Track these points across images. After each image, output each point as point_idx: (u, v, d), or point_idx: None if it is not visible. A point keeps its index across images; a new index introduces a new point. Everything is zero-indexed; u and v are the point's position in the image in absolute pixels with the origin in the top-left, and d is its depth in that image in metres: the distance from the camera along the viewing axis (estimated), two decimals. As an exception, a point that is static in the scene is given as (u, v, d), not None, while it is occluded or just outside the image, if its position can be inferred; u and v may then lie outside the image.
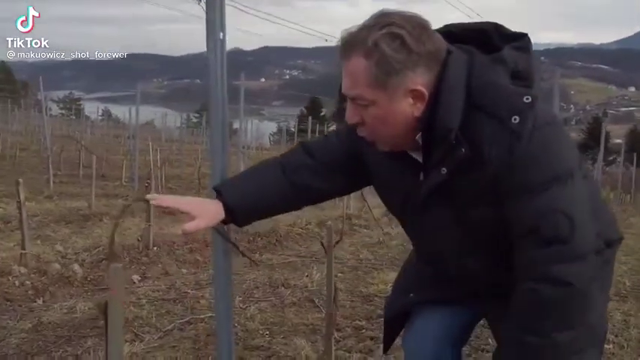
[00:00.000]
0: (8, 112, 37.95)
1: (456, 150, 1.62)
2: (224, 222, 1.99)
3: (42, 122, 20.25)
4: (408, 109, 1.64)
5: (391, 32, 1.57)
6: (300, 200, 2.09)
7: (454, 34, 1.74)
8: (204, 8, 2.19)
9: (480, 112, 1.61)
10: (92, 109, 61.68)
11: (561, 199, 1.59)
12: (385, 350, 2.33)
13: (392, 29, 1.57)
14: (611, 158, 51.01)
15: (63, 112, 58.06)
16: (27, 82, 68.50)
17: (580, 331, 1.68)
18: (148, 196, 1.98)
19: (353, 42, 1.62)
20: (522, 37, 1.72)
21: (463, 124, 1.61)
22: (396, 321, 2.23)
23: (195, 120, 62.49)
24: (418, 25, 1.60)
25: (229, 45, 2.27)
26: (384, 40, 1.57)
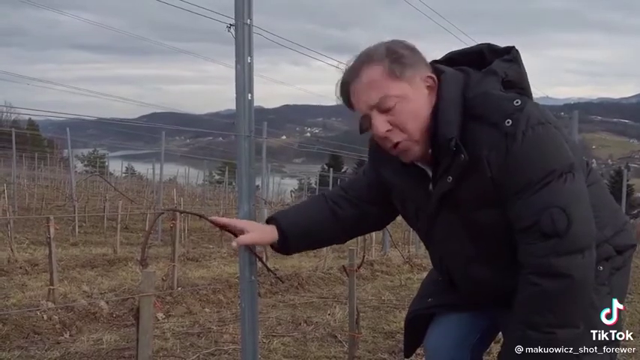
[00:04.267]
0: (35, 168, 38.65)
1: (456, 157, 1.74)
2: (273, 248, 2.19)
3: (67, 178, 20.58)
4: (426, 100, 1.80)
5: (395, 41, 1.83)
6: (343, 230, 2.25)
7: (455, 58, 1.93)
8: (234, 34, 2.37)
9: (477, 120, 1.74)
10: (116, 166, 62.31)
11: (559, 195, 1.68)
12: (407, 354, 2.39)
13: (391, 45, 1.81)
14: (634, 212, 50.44)
15: (87, 169, 58.85)
16: (53, 139, 69.84)
17: (582, 329, 1.74)
18: (212, 218, 2.20)
19: (365, 59, 1.81)
20: (510, 51, 1.87)
21: (462, 132, 1.74)
22: (416, 324, 2.30)
23: (217, 176, 62.95)
24: (409, 45, 1.83)
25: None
26: (393, 45, 1.81)
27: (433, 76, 1.80)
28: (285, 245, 2.16)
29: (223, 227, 2.17)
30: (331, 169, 34.90)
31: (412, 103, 1.78)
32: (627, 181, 25.79)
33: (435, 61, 1.91)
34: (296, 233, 2.15)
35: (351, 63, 1.83)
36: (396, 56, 1.77)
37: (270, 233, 2.13)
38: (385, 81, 1.77)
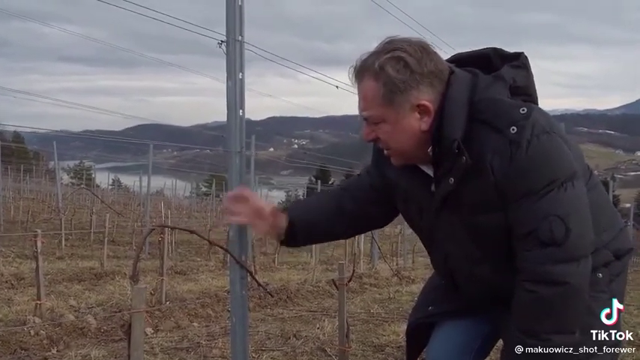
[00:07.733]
0: (20, 180, 38.31)
1: (459, 159, 1.75)
2: (281, 242, 2.19)
3: (53, 190, 20.44)
4: (416, 123, 1.80)
5: (395, 56, 1.75)
6: (348, 225, 2.26)
7: (461, 60, 1.92)
8: (225, 51, 2.37)
9: (482, 125, 1.74)
10: (103, 178, 61.99)
11: (559, 204, 1.69)
12: None
13: (396, 53, 1.75)
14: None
15: (74, 181, 58.37)
16: (38, 152, 69.49)
17: (578, 335, 1.76)
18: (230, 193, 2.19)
19: (364, 67, 1.80)
20: (518, 57, 1.87)
21: (466, 135, 1.75)
22: (416, 334, 2.31)
23: (204, 189, 62.79)
24: (420, 48, 1.77)
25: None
26: (389, 63, 1.75)
27: (426, 104, 1.77)
28: (292, 237, 2.16)
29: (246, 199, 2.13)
30: (319, 182, 34.84)
31: (397, 126, 1.80)
32: (613, 191, 25.95)
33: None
34: (303, 224, 2.15)
35: (363, 58, 1.81)
36: (387, 80, 1.75)
37: (281, 221, 2.12)
38: (374, 101, 1.79)
